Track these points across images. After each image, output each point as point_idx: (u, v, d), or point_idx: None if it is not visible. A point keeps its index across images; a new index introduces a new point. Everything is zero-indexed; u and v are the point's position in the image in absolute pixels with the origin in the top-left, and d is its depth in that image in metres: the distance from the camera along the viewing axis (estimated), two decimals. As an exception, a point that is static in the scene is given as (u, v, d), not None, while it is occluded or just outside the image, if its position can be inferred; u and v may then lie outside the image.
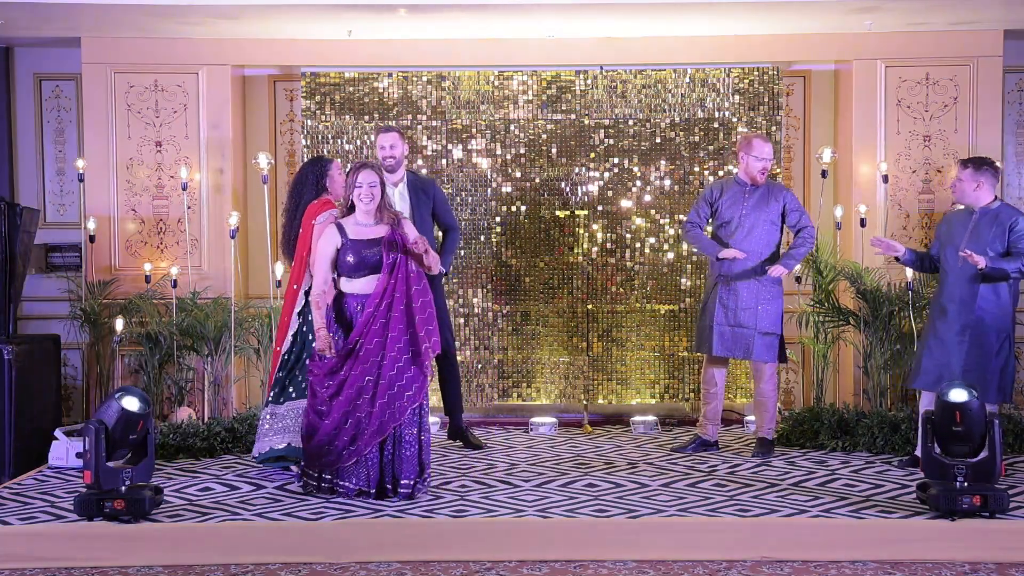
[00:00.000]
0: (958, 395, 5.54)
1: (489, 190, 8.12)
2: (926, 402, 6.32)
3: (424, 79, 8.14)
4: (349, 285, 5.83)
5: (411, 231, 5.83)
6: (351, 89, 8.14)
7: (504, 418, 8.14)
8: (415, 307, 5.76)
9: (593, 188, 8.12)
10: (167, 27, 7.58)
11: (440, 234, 7.18)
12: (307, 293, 6.20)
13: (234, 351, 7.61)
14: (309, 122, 8.13)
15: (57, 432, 6.86)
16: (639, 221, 8.11)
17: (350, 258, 5.77)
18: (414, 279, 5.78)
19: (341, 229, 5.84)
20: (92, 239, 7.72)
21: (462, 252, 8.11)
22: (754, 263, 6.81)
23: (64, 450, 6.77)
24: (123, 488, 5.52)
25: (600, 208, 8.11)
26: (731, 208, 6.86)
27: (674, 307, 8.12)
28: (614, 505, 5.67)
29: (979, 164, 6.37)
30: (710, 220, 7.00)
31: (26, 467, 6.84)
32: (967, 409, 5.50)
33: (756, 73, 8.10)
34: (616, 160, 8.12)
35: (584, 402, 8.09)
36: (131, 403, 5.60)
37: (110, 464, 5.57)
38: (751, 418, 7.92)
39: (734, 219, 6.84)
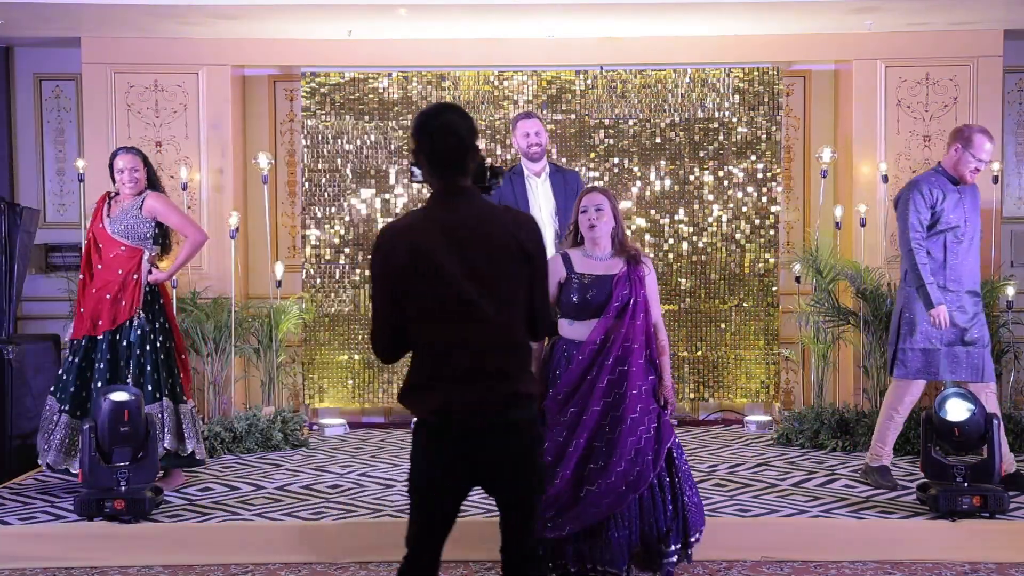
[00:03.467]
0: (956, 413, 5.53)
1: (489, 190, 8.10)
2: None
3: (424, 79, 8.14)
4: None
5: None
6: (351, 89, 8.14)
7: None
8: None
9: (593, 188, 8.11)
10: (167, 27, 7.58)
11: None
12: None
13: (234, 351, 7.61)
14: (309, 122, 8.13)
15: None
16: (639, 221, 8.11)
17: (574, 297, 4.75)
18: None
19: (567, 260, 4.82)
20: (92, 239, 7.72)
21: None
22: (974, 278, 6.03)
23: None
24: (121, 487, 5.53)
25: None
26: (955, 211, 5.94)
27: (674, 307, 8.12)
28: (614, 505, 5.66)
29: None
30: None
31: (26, 467, 6.84)
32: (965, 425, 5.51)
33: (756, 73, 8.10)
34: (616, 160, 8.12)
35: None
36: (119, 395, 5.63)
37: (115, 462, 5.58)
38: (751, 418, 7.93)
39: (960, 224, 5.93)
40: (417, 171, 3.41)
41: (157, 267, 6.33)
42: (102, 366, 6.16)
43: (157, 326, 6.28)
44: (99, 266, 6.24)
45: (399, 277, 3.28)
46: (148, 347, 6.22)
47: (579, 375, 4.63)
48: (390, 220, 3.34)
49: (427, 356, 3.32)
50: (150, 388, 6.17)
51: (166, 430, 6.19)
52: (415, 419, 3.43)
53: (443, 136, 3.31)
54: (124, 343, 6.20)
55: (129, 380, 6.14)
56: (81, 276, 6.35)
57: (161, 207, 6.27)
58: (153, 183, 6.38)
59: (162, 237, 6.35)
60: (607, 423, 4.61)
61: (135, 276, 6.22)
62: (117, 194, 6.33)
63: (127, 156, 6.29)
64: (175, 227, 6.35)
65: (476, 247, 3.29)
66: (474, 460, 3.34)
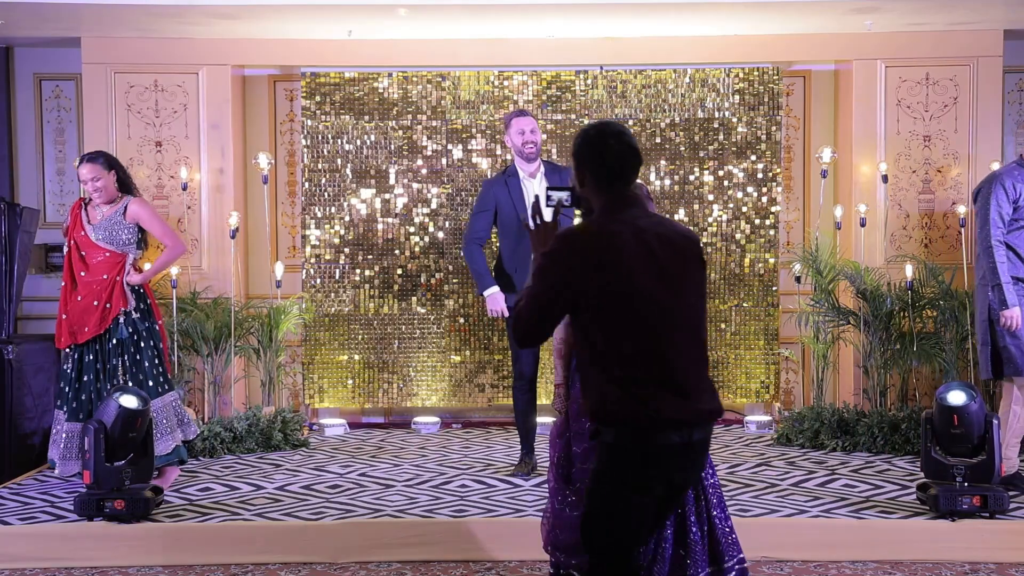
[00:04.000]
0: (956, 398, 5.55)
1: (489, 190, 8.11)
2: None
3: (424, 79, 8.13)
4: None
5: None
6: (351, 89, 8.14)
7: (504, 418, 8.14)
8: None
9: (593, 188, 8.11)
10: (167, 27, 7.58)
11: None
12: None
13: (234, 351, 7.61)
14: (309, 122, 8.13)
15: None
16: (639, 221, 8.10)
17: None
18: None
19: None
20: (92, 239, 7.71)
21: (461, 251, 8.09)
22: None
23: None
24: (124, 487, 5.53)
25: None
26: None
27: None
28: (614, 505, 5.66)
29: None
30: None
31: (26, 467, 6.84)
32: (965, 412, 5.51)
33: (756, 73, 8.10)
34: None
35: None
36: (129, 401, 5.62)
37: (114, 463, 5.58)
38: (751, 418, 7.93)
39: None
40: (556, 194, 3.40)
41: (136, 268, 6.35)
42: (93, 371, 6.21)
43: (148, 325, 6.32)
44: (83, 273, 6.26)
45: (591, 276, 3.19)
46: (143, 345, 6.26)
47: None
48: (574, 227, 3.20)
49: (633, 364, 3.19)
50: (151, 384, 6.21)
51: (184, 420, 6.34)
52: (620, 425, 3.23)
53: (616, 150, 3.36)
54: (113, 342, 6.23)
55: (126, 378, 6.15)
56: (64, 283, 6.34)
57: (145, 215, 6.31)
58: (127, 187, 6.41)
59: (143, 241, 6.40)
60: None
61: (119, 279, 6.25)
62: (91, 200, 6.34)
63: (87, 166, 6.28)
64: (157, 236, 6.37)
65: (666, 252, 3.27)
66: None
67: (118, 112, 7.93)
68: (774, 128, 8.09)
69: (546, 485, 6.14)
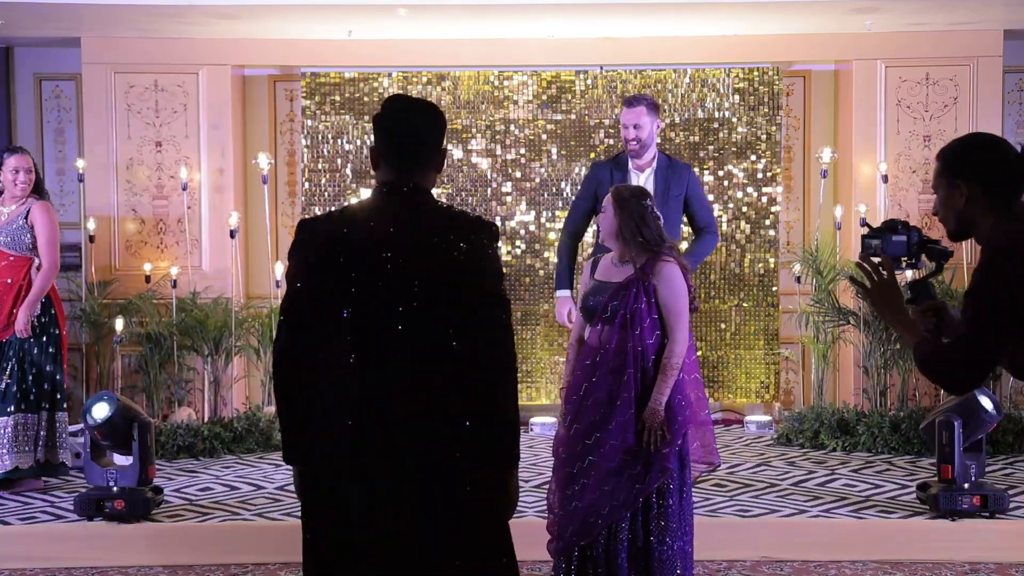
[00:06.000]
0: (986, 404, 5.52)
1: (489, 190, 8.11)
2: None
3: (424, 79, 8.13)
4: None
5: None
6: (351, 89, 8.14)
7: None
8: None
9: (593, 188, 8.11)
10: (167, 27, 7.58)
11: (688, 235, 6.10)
12: None
13: (234, 351, 7.60)
14: (309, 122, 8.13)
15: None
16: (639, 221, 8.09)
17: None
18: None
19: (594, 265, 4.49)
20: (92, 239, 7.72)
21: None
22: None
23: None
24: (112, 489, 5.51)
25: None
26: None
27: (674, 307, 8.10)
28: (614, 505, 5.66)
29: None
30: None
31: (26, 467, 6.83)
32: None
33: (756, 73, 8.10)
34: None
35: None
36: (99, 410, 5.56)
37: (115, 463, 5.58)
38: (751, 418, 7.93)
39: None
40: (873, 242, 3.03)
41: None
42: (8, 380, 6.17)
43: (47, 336, 6.26)
44: None
45: None
46: (36, 356, 6.20)
47: (579, 382, 4.29)
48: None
49: None
50: (32, 399, 6.17)
51: (40, 443, 6.19)
52: None
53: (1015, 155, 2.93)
54: (11, 351, 6.18)
55: (10, 384, 6.12)
56: None
57: (42, 222, 6.19)
58: (40, 189, 6.35)
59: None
60: (591, 443, 4.21)
61: (22, 284, 6.18)
62: None
63: (23, 157, 6.25)
64: (40, 245, 6.19)
65: None
66: None
67: (118, 112, 7.92)
68: (774, 128, 8.09)
69: (547, 486, 6.16)
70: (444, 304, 2.69)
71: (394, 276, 2.71)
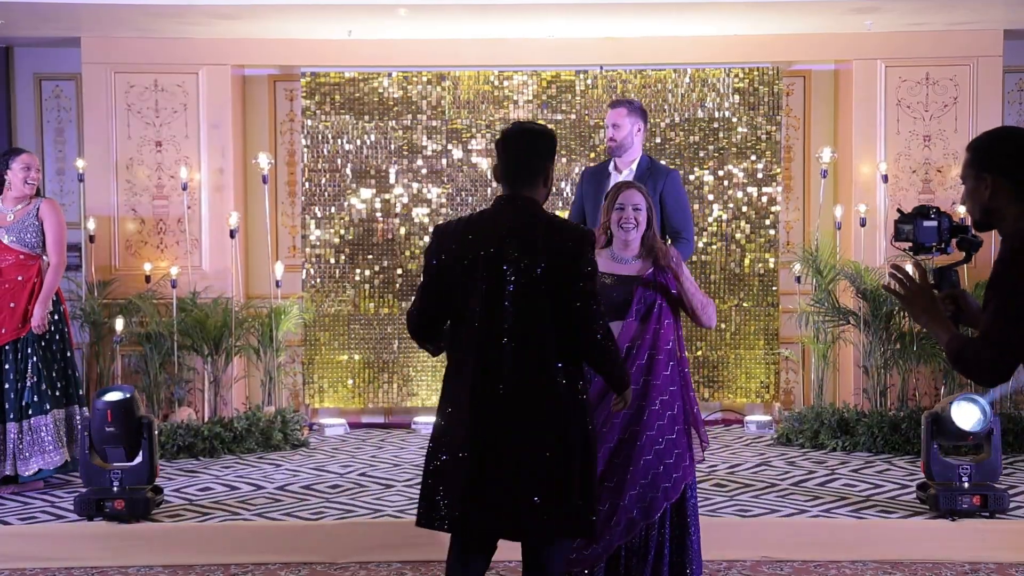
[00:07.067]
0: (968, 419, 5.50)
1: (489, 190, 8.11)
2: None
3: (424, 79, 8.13)
4: None
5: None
6: (351, 89, 8.14)
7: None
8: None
9: (593, 188, 8.11)
10: (167, 27, 7.58)
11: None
12: None
13: (234, 351, 7.61)
14: (309, 122, 8.13)
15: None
16: (639, 221, 8.10)
17: None
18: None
19: None
20: (92, 239, 7.72)
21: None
22: None
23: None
24: (114, 487, 5.52)
25: (600, 208, 8.11)
26: None
27: (674, 307, 8.11)
28: (614, 505, 5.66)
29: None
30: None
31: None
32: (978, 430, 5.50)
33: (756, 73, 8.10)
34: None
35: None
36: (111, 395, 5.63)
37: (110, 462, 5.58)
38: (751, 418, 7.93)
39: None
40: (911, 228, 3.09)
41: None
42: (12, 376, 6.19)
43: (60, 334, 6.31)
44: None
45: None
46: (49, 355, 6.25)
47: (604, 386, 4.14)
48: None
49: None
50: (48, 396, 6.22)
51: (63, 440, 6.25)
52: None
53: None
54: (29, 348, 6.21)
55: (29, 385, 6.15)
56: None
57: (52, 220, 6.26)
58: (40, 189, 6.46)
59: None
60: (627, 437, 4.22)
61: (35, 281, 6.22)
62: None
63: (32, 156, 6.36)
64: (49, 242, 6.27)
65: None
66: None
67: (118, 112, 7.92)
68: (774, 128, 8.09)
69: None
70: (545, 285, 3.51)
71: (506, 264, 3.52)
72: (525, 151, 3.63)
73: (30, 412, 6.17)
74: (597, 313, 3.58)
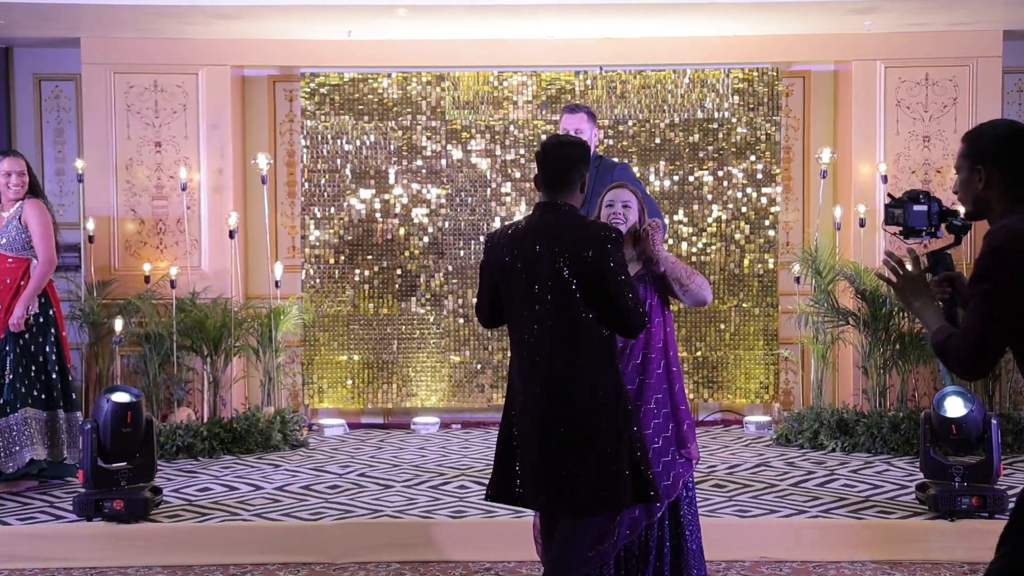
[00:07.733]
0: (954, 408, 5.55)
1: (488, 190, 8.12)
2: None
3: (424, 79, 8.14)
4: None
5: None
6: (351, 89, 8.14)
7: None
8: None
9: (593, 188, 8.11)
10: (167, 27, 7.58)
11: None
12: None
13: (234, 351, 7.61)
14: (309, 122, 8.13)
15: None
16: (639, 221, 8.10)
17: None
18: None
19: None
20: (91, 239, 7.72)
21: (461, 252, 8.11)
22: None
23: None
24: (120, 487, 5.53)
25: (600, 208, 8.11)
26: None
27: (674, 307, 8.09)
28: (613, 505, 5.66)
29: None
30: None
31: (25, 467, 6.83)
32: (963, 421, 5.52)
33: (756, 73, 8.10)
34: (616, 160, 8.11)
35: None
36: (121, 396, 5.64)
37: (113, 462, 5.58)
38: (751, 419, 7.93)
39: None
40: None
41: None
42: (10, 376, 6.17)
43: (44, 336, 6.27)
44: None
45: None
46: (28, 355, 6.20)
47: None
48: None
49: None
50: (43, 397, 6.20)
51: (40, 440, 6.19)
52: None
53: None
54: (7, 346, 6.18)
55: (7, 383, 6.13)
56: None
57: (34, 219, 6.20)
58: (36, 190, 6.37)
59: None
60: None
61: (21, 284, 6.19)
62: None
63: (15, 160, 6.26)
64: (34, 241, 6.21)
65: None
66: None
67: (118, 112, 7.93)
68: (774, 128, 8.09)
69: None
70: (576, 280, 3.82)
71: (546, 262, 3.84)
72: (558, 161, 3.92)
73: (7, 410, 6.13)
74: (627, 284, 3.85)
